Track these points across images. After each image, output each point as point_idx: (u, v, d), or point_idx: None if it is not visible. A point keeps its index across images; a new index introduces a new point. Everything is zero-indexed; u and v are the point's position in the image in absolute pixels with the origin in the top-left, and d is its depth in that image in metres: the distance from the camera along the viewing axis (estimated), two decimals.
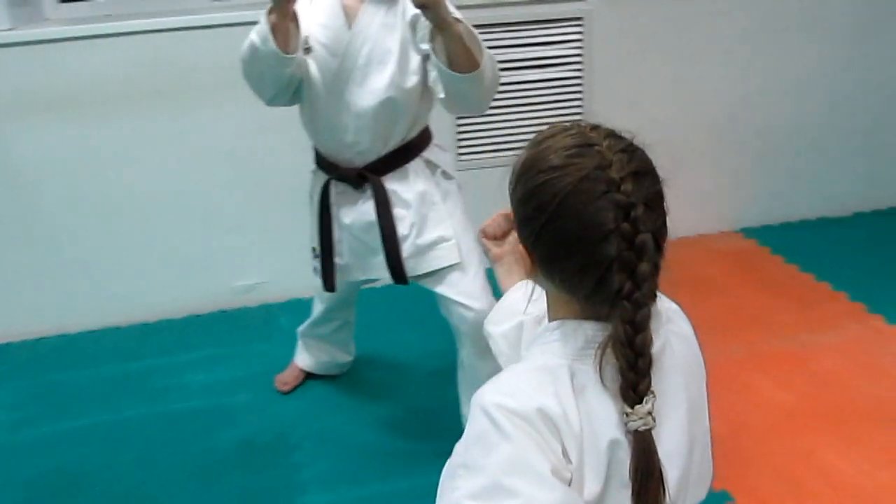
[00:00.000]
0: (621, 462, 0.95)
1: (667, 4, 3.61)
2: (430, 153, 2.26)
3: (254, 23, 2.05)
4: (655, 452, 0.95)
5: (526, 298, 1.36)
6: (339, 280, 2.33)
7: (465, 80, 1.94)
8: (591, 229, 0.93)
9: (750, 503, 2.21)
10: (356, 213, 2.24)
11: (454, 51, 1.91)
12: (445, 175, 2.27)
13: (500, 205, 1.18)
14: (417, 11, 2.05)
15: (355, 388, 2.86)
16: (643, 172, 0.95)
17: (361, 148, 2.17)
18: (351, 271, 2.32)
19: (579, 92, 3.61)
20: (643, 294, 0.92)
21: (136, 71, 3.15)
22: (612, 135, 0.99)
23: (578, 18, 3.52)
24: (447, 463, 1.10)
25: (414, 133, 2.21)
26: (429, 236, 2.19)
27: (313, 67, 2.14)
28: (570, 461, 0.93)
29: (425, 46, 2.07)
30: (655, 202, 0.95)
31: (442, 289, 2.19)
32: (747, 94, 3.81)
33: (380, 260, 2.23)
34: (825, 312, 3.17)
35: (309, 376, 2.89)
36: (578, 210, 0.93)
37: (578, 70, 3.58)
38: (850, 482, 2.27)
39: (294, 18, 2.04)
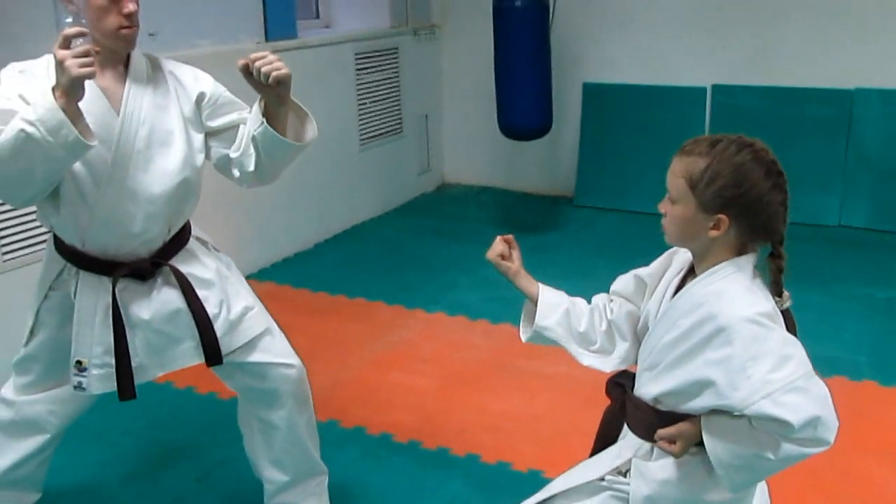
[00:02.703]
0: None
1: None
2: (196, 231, 2.23)
3: None
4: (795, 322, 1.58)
5: (559, 294, 1.77)
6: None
7: (297, 150, 2.06)
8: (778, 196, 1.52)
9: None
10: (156, 304, 2.08)
11: (286, 124, 2.03)
12: (215, 248, 2.27)
13: None
14: (202, 90, 2.07)
15: None
16: None
17: (150, 236, 2.05)
18: (147, 370, 2.11)
19: None
20: (784, 229, 1.56)
21: None
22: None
23: None
24: (696, 379, 1.49)
25: (192, 214, 2.17)
26: (236, 309, 2.18)
27: None
28: None
29: (214, 124, 2.10)
30: None
31: (257, 356, 2.20)
32: None
33: (186, 347, 2.13)
34: (383, 317, 3.89)
35: None
36: (770, 186, 1.51)
37: None
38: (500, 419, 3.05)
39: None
